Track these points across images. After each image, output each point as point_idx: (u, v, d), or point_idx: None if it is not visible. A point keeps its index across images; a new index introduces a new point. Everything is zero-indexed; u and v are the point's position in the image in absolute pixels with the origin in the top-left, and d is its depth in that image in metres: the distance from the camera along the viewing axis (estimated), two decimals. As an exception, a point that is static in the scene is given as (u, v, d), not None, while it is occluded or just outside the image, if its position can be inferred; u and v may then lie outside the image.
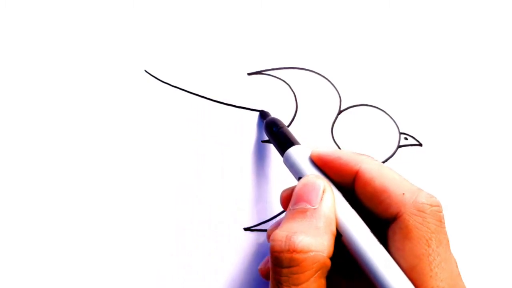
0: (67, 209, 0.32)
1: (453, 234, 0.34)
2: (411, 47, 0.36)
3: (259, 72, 0.35)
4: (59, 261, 0.31)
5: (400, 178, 0.25)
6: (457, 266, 0.24)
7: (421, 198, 0.23)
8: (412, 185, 0.24)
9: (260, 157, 0.33)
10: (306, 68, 0.35)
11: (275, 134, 0.30)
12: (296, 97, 0.35)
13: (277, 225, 0.29)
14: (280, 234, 0.23)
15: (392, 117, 0.35)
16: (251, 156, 0.33)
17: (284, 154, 0.28)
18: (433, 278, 0.22)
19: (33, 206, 0.32)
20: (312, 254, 0.22)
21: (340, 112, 0.35)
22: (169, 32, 0.35)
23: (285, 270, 0.23)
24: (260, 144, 0.34)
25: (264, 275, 0.30)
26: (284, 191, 0.29)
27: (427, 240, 0.22)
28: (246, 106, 0.34)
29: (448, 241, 0.23)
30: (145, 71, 0.34)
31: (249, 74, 0.35)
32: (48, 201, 0.32)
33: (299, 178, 0.27)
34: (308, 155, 0.27)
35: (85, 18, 0.35)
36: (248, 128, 0.34)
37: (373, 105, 0.35)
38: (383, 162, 0.34)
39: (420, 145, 0.35)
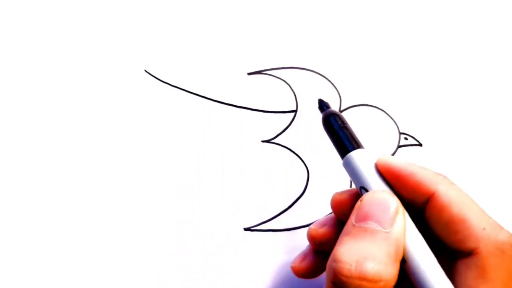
0: (67, 209, 0.32)
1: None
2: (411, 47, 0.36)
3: (259, 72, 0.35)
4: (59, 261, 0.31)
5: (479, 209, 0.23)
6: None
7: (502, 237, 0.22)
8: (492, 219, 0.23)
9: (260, 157, 0.33)
10: (306, 68, 0.35)
11: (336, 131, 0.27)
12: (296, 97, 0.35)
13: (322, 224, 0.27)
14: (349, 257, 0.21)
15: (392, 117, 0.35)
16: (251, 156, 0.33)
17: (346, 157, 0.25)
18: None
19: (32, 206, 0.32)
20: (381, 284, 0.21)
21: (340, 112, 0.35)
22: (169, 32, 0.35)
23: None
24: (260, 144, 0.34)
25: (299, 273, 0.28)
26: (338, 194, 0.26)
27: (504, 285, 0.21)
28: (246, 106, 0.34)
29: None
30: (145, 71, 0.34)
31: (249, 74, 0.35)
32: (48, 201, 0.32)
33: (361, 188, 0.24)
34: (374, 162, 0.24)
35: (85, 18, 0.35)
36: (248, 128, 0.34)
37: (373, 105, 0.35)
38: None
39: (420, 145, 0.35)
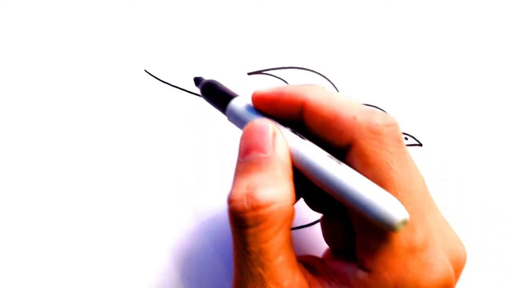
0: (66, 208, 0.32)
1: (453, 234, 0.34)
2: (411, 47, 0.36)
3: (259, 72, 0.35)
4: (58, 261, 0.31)
5: (350, 100, 0.22)
6: (425, 186, 0.22)
7: (375, 119, 0.21)
8: (364, 106, 0.22)
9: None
10: (306, 68, 0.35)
11: (214, 95, 0.27)
12: (296, 97, 0.35)
13: None
14: (239, 193, 0.21)
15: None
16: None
17: (226, 111, 0.25)
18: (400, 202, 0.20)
19: (32, 206, 0.32)
20: (276, 206, 0.21)
21: (340, 112, 0.35)
22: (169, 32, 0.35)
23: (251, 230, 0.21)
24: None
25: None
26: None
27: (387, 163, 0.20)
28: (246, 106, 0.34)
29: (410, 160, 0.21)
30: (145, 71, 0.34)
31: (249, 74, 0.35)
32: (48, 200, 0.32)
33: None
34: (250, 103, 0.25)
35: (85, 18, 0.35)
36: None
37: (373, 105, 0.35)
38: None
39: (420, 145, 0.35)
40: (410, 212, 0.20)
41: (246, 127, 0.23)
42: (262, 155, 0.22)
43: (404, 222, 0.19)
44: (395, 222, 0.19)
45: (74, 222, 0.32)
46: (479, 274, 0.33)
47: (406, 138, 0.35)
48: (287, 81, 0.35)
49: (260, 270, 0.21)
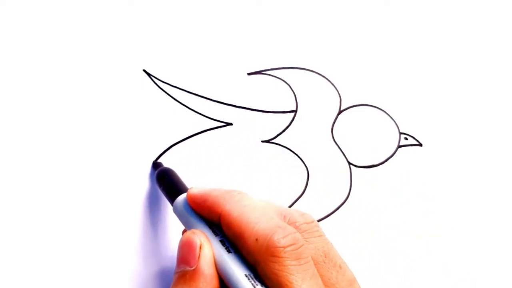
0: (65, 209, 0.32)
1: (453, 234, 0.34)
2: (411, 47, 0.36)
3: (259, 72, 0.35)
4: (56, 261, 0.31)
5: (257, 216, 0.23)
6: None
7: (273, 242, 0.22)
8: (267, 224, 0.23)
9: (260, 157, 0.33)
10: (306, 68, 0.35)
11: (165, 185, 0.30)
12: (296, 97, 0.35)
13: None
14: None
15: (392, 117, 0.35)
16: (251, 156, 0.33)
17: (173, 206, 0.28)
18: None
19: (31, 206, 0.32)
20: None
21: (340, 112, 0.35)
22: (168, 32, 0.35)
23: None
24: (260, 144, 0.34)
25: None
26: None
27: (287, 284, 0.21)
28: (246, 106, 0.34)
29: (313, 273, 0.22)
30: (144, 70, 0.34)
31: (249, 74, 0.35)
32: (46, 201, 0.32)
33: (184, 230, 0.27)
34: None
35: (84, 18, 0.34)
36: (249, 128, 0.34)
37: (373, 105, 0.35)
38: (383, 162, 0.34)
39: (420, 145, 0.35)
40: None
41: (180, 239, 0.25)
42: (187, 268, 0.23)
43: None
44: None
45: (71, 223, 0.32)
46: (479, 274, 0.33)
47: (406, 138, 0.35)
48: (287, 81, 0.35)
49: None
